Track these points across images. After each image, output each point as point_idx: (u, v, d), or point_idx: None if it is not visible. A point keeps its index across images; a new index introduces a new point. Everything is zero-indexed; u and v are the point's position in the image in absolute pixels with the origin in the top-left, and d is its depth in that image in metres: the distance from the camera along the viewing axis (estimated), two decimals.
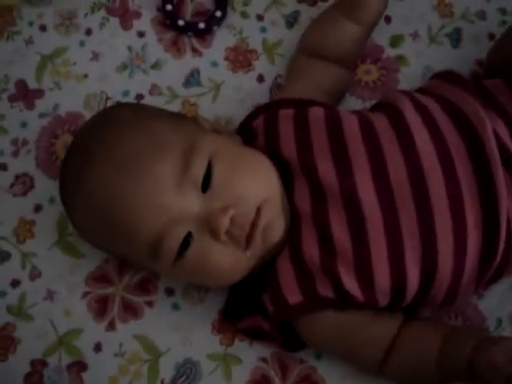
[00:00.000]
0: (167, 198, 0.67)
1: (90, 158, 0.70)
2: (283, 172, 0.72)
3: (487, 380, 0.63)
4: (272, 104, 0.78)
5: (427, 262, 0.67)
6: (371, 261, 0.67)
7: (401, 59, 0.86)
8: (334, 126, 0.71)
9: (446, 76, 0.77)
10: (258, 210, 0.68)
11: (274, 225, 0.69)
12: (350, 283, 0.68)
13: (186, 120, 0.76)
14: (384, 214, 0.67)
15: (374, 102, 0.83)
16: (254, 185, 0.69)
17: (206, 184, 0.68)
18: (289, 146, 0.72)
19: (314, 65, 0.81)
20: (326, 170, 0.69)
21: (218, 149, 0.69)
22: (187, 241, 0.68)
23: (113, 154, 0.69)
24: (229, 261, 0.69)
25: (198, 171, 0.67)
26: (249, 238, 0.68)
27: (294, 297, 0.70)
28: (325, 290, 0.69)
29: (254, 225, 0.68)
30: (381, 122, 0.71)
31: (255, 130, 0.75)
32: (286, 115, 0.74)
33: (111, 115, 0.75)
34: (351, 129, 0.71)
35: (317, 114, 0.73)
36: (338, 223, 0.68)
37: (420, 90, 0.78)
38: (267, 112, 0.75)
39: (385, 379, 0.74)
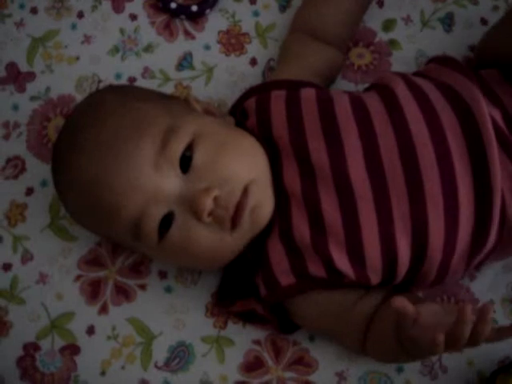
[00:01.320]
0: (144, 177, 0.66)
1: (74, 140, 0.71)
2: (273, 152, 0.71)
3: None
4: (264, 85, 0.78)
5: (418, 238, 0.67)
6: (362, 239, 0.67)
7: (393, 43, 0.86)
8: (326, 105, 0.71)
9: (443, 60, 0.77)
10: (245, 191, 0.67)
11: (262, 206, 0.69)
12: (342, 262, 0.68)
13: (174, 101, 0.75)
14: (375, 192, 0.67)
15: (366, 85, 0.83)
16: (240, 165, 0.68)
17: (187, 164, 0.67)
18: (280, 127, 0.71)
19: (307, 47, 0.81)
20: (318, 149, 0.69)
21: (202, 129, 0.69)
22: (169, 221, 0.68)
23: (94, 137, 0.69)
24: (213, 242, 0.68)
25: (176, 150, 0.67)
26: (235, 220, 0.67)
27: (285, 278, 0.70)
28: (316, 270, 0.69)
29: (240, 206, 0.67)
30: (372, 101, 0.71)
31: (247, 111, 0.75)
32: (277, 96, 0.73)
33: (98, 98, 0.75)
34: (342, 108, 0.70)
35: (308, 94, 0.73)
36: (328, 202, 0.68)
37: (416, 74, 0.77)
38: (259, 93, 0.75)
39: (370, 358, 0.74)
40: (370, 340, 0.70)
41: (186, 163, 0.67)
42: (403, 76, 0.73)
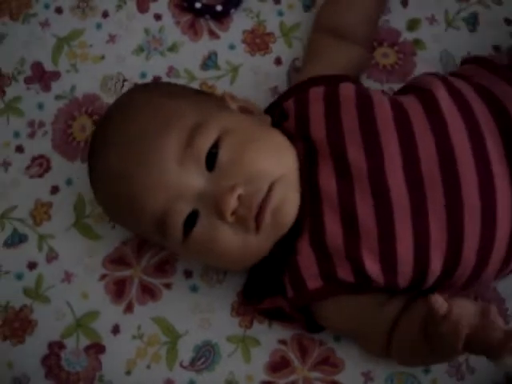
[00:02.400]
0: (168, 173, 0.66)
1: (104, 137, 0.71)
2: (311, 153, 0.70)
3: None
4: (302, 84, 0.76)
5: (452, 248, 0.66)
6: (396, 247, 0.66)
7: (418, 43, 0.86)
8: (365, 107, 0.70)
9: (479, 61, 0.76)
10: (270, 189, 0.66)
11: (285, 206, 0.67)
12: (373, 267, 0.67)
13: (208, 97, 0.75)
14: (412, 199, 0.66)
15: (391, 85, 0.83)
16: (266, 163, 0.67)
17: (212, 162, 0.67)
18: (318, 127, 0.70)
19: (330, 47, 0.80)
20: (356, 152, 0.67)
21: (231, 126, 0.68)
22: (194, 219, 0.67)
23: (122, 133, 0.69)
24: (237, 243, 0.67)
25: (201, 146, 0.66)
26: (258, 220, 0.66)
27: (313, 282, 0.69)
28: (345, 274, 0.68)
29: (263, 205, 0.66)
30: (412, 106, 0.69)
31: (287, 112, 0.74)
32: (316, 95, 0.72)
33: (128, 97, 0.76)
34: (382, 111, 0.69)
35: (347, 91, 0.72)
36: (364, 207, 0.67)
37: (453, 74, 0.77)
38: (298, 93, 0.74)
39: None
40: (396, 340, 0.69)
41: (212, 160, 0.67)
42: (443, 79, 0.72)
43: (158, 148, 0.66)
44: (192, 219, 0.67)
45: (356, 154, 0.67)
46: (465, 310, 0.60)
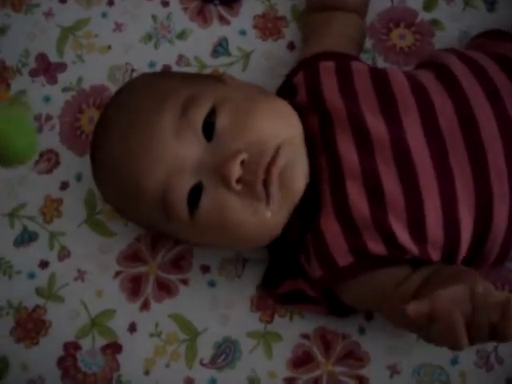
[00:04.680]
0: (164, 146, 0.64)
1: (103, 123, 0.70)
2: (326, 124, 0.67)
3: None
4: (311, 57, 0.73)
5: (481, 211, 0.64)
6: (424, 211, 0.64)
7: (436, 23, 0.83)
8: (380, 77, 0.68)
9: (490, 34, 0.75)
10: (276, 152, 0.63)
11: (293, 168, 0.64)
12: (403, 236, 0.64)
13: (207, 77, 0.73)
14: (435, 163, 0.64)
15: (409, 67, 0.80)
16: (269, 125, 0.64)
17: (211, 131, 0.64)
18: (334, 97, 0.67)
19: (331, 17, 0.78)
20: (375, 120, 0.65)
21: (227, 95, 0.66)
22: (199, 194, 0.64)
23: (121, 115, 0.68)
24: (249, 215, 0.64)
25: (196, 115, 0.64)
26: (266, 185, 0.63)
27: (343, 258, 0.66)
28: (375, 247, 0.64)
29: (269, 169, 0.63)
30: (427, 77, 0.68)
31: (296, 86, 0.71)
32: (326, 67, 0.70)
33: (129, 83, 0.75)
34: (398, 80, 0.68)
35: (360, 67, 0.70)
36: (387, 174, 0.64)
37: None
38: (307, 66, 0.72)
39: None
40: None
41: (211, 130, 0.64)
42: (455, 51, 0.71)
43: (153, 123, 0.64)
44: (197, 194, 0.64)
45: (376, 122, 0.65)
46: (452, 300, 0.54)
